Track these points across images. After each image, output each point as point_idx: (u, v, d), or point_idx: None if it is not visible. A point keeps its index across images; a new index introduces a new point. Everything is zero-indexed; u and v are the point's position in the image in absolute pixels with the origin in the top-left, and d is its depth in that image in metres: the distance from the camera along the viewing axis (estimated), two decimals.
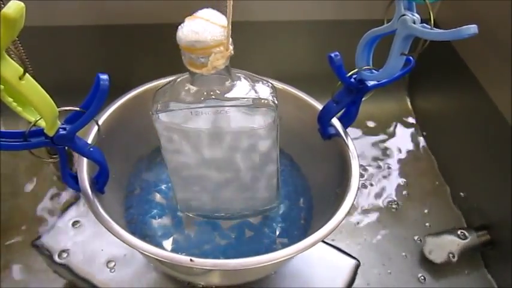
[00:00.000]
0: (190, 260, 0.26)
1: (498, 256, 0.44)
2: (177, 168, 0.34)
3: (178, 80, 0.30)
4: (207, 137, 0.31)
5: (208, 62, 0.26)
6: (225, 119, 0.30)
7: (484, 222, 0.47)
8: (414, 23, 0.27)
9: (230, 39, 0.26)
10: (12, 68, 0.20)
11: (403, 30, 0.27)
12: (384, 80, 0.32)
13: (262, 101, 0.29)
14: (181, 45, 0.26)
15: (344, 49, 0.31)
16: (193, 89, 0.29)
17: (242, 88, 0.30)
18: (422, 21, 0.27)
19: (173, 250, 0.36)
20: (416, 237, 0.47)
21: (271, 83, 0.31)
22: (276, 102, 0.30)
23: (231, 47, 0.26)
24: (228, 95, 0.29)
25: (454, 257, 0.44)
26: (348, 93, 0.34)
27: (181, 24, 0.26)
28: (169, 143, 0.32)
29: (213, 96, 0.29)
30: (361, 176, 0.53)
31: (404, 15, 0.27)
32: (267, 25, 0.55)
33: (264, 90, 0.30)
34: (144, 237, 0.36)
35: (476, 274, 0.45)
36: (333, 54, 0.30)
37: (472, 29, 0.23)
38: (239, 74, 0.30)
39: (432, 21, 0.26)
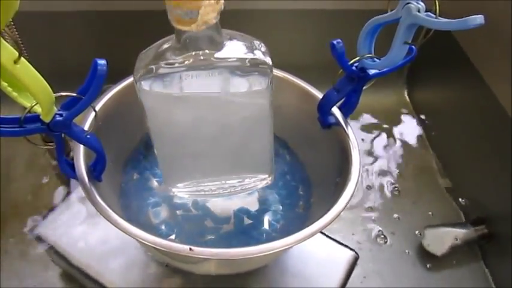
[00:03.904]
0: (190, 249, 0.26)
1: (495, 249, 0.45)
2: (165, 140, 0.32)
3: (163, 43, 0.28)
4: (198, 103, 0.29)
5: (199, 16, 0.24)
6: (216, 83, 0.28)
7: (482, 215, 0.47)
8: (419, 11, 0.26)
9: None
10: (7, 51, 0.20)
11: (407, 19, 0.27)
12: (385, 69, 0.32)
13: (258, 60, 0.27)
14: None
15: (344, 39, 0.30)
16: (181, 51, 0.26)
17: (234, 48, 0.27)
18: (426, 10, 0.27)
19: (170, 238, 0.35)
20: (415, 230, 0.47)
21: (263, 43, 0.29)
22: (271, 63, 0.28)
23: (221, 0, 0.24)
24: (219, 55, 0.26)
25: (452, 249, 0.45)
26: (349, 81, 0.33)
27: None
28: (155, 113, 0.30)
29: (203, 57, 0.26)
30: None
31: (409, 3, 0.27)
32: (267, 13, 0.54)
33: (258, 50, 0.28)
34: (141, 225, 0.35)
35: (474, 267, 0.45)
36: (335, 42, 0.29)
37: (479, 19, 0.23)
38: (229, 33, 0.28)
39: (437, 10, 0.25)
